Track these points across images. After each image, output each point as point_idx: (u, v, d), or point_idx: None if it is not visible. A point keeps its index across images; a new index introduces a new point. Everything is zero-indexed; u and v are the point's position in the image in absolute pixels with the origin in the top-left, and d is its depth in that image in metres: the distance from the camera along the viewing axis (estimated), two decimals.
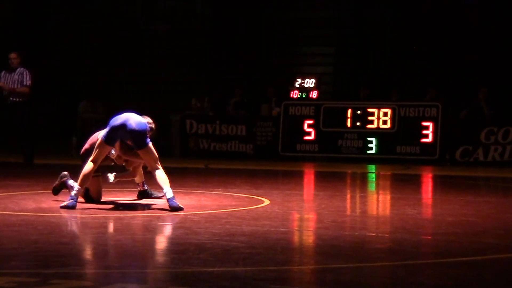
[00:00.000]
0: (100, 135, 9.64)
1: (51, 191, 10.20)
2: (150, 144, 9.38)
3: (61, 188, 10.03)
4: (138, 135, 9.32)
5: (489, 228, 8.39)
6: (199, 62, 23.90)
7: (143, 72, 24.05)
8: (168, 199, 9.21)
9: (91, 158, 9.39)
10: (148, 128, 9.50)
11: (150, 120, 9.68)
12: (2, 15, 25.22)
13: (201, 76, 23.65)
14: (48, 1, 25.62)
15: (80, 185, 9.35)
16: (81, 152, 10.06)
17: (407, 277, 6.00)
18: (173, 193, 9.21)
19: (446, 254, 6.91)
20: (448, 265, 6.44)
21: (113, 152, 9.55)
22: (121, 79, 23.99)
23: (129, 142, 9.42)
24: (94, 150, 9.42)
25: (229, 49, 23.81)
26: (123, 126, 9.32)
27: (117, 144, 9.48)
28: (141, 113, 9.76)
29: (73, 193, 9.33)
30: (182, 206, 9.21)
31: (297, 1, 23.85)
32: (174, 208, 9.13)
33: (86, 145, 9.99)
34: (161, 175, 9.30)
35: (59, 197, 9.99)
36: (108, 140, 9.35)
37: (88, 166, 9.36)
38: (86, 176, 9.36)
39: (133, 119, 9.40)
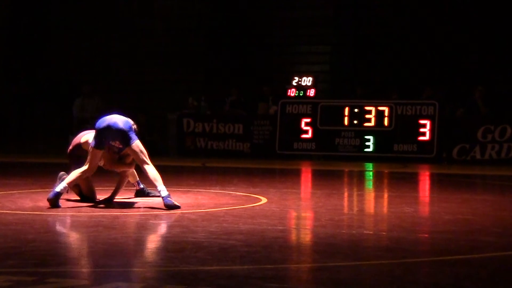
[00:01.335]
0: (84, 136, 9.93)
1: (49, 191, 10.18)
2: (138, 141, 9.48)
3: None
4: (125, 132, 9.46)
5: (486, 226, 8.39)
6: (196, 60, 23.88)
7: (140, 71, 24.03)
8: (163, 198, 9.22)
9: (87, 167, 9.45)
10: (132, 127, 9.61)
11: (132, 122, 9.76)
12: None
13: (198, 75, 23.63)
14: (46, 0, 25.57)
15: (68, 184, 9.40)
16: (68, 152, 10.20)
17: (405, 275, 6.00)
18: (167, 190, 9.24)
19: (444, 252, 6.90)
20: (446, 263, 6.44)
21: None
22: (119, 78, 23.97)
23: (117, 142, 9.46)
24: (88, 160, 9.51)
25: (226, 47, 23.79)
26: (109, 127, 9.45)
27: (103, 157, 9.58)
28: (134, 112, 9.87)
29: (58, 187, 9.35)
30: (177, 204, 9.23)
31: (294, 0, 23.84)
32: (169, 206, 9.14)
33: (70, 146, 10.17)
34: (151, 171, 9.36)
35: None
36: (97, 145, 9.50)
37: (84, 171, 9.46)
38: (77, 177, 9.48)
39: (118, 119, 9.58)
